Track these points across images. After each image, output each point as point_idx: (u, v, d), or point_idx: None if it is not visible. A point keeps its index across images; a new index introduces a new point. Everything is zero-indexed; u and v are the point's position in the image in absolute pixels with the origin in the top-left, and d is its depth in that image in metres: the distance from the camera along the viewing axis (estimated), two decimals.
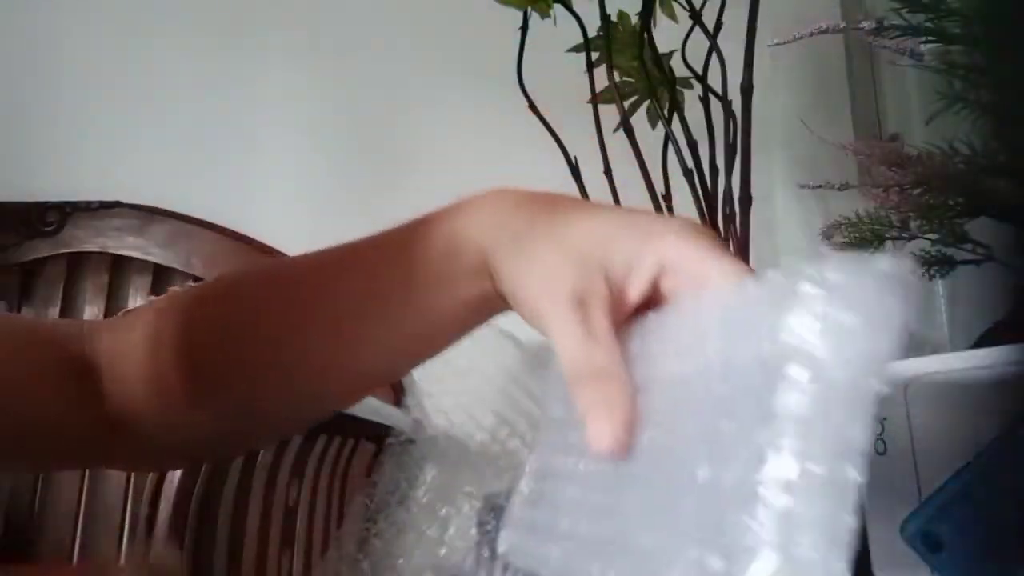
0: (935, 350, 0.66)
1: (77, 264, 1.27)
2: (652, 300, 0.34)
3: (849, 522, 0.22)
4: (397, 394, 1.16)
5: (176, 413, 0.43)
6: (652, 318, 0.34)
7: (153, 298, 0.47)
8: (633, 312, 0.35)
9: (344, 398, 0.49)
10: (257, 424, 0.47)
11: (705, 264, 0.33)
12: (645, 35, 0.90)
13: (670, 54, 0.94)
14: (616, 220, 0.36)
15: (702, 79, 0.93)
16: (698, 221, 0.34)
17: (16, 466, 0.51)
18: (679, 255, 0.33)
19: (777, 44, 0.86)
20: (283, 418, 0.49)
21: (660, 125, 0.93)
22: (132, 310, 0.47)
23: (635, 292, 0.34)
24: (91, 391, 0.43)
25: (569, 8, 0.93)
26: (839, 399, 0.23)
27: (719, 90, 0.90)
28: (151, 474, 0.79)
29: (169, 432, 0.44)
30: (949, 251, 0.75)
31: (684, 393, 0.29)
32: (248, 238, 1.28)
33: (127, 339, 0.44)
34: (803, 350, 0.24)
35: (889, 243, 0.81)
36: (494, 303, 0.40)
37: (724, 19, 0.91)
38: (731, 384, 0.27)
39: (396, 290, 0.41)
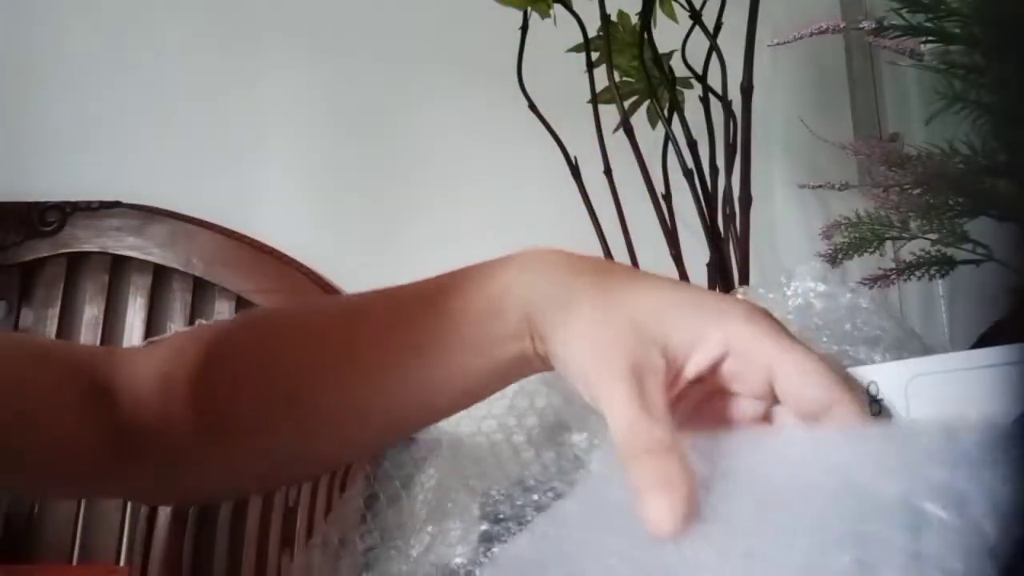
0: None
1: (77, 264, 1.26)
2: (706, 381, 0.33)
3: None
4: None
5: (184, 449, 0.43)
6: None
7: (177, 329, 0.47)
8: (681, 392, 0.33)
9: (366, 448, 0.48)
10: (271, 468, 0.46)
11: (773, 351, 0.32)
12: (645, 35, 0.90)
13: (670, 54, 0.94)
14: (677, 295, 0.35)
15: (702, 79, 0.93)
16: (761, 306, 0.34)
17: (22, 484, 0.50)
18: (745, 340, 0.32)
19: (777, 44, 0.87)
20: (302, 463, 0.48)
21: (660, 125, 0.93)
22: (156, 340, 0.47)
23: (692, 371, 0.33)
24: (105, 416, 0.42)
25: (569, 8, 0.93)
26: (959, 550, 0.23)
27: (719, 90, 0.90)
28: None
29: (177, 466, 0.44)
30: (949, 251, 0.75)
31: (758, 494, 0.28)
32: (248, 238, 1.28)
33: (144, 369, 0.44)
34: (946, 492, 0.24)
35: (889, 243, 0.81)
36: (531, 364, 0.39)
37: (724, 19, 0.91)
38: (835, 503, 0.26)
39: (430, 347, 0.40)
